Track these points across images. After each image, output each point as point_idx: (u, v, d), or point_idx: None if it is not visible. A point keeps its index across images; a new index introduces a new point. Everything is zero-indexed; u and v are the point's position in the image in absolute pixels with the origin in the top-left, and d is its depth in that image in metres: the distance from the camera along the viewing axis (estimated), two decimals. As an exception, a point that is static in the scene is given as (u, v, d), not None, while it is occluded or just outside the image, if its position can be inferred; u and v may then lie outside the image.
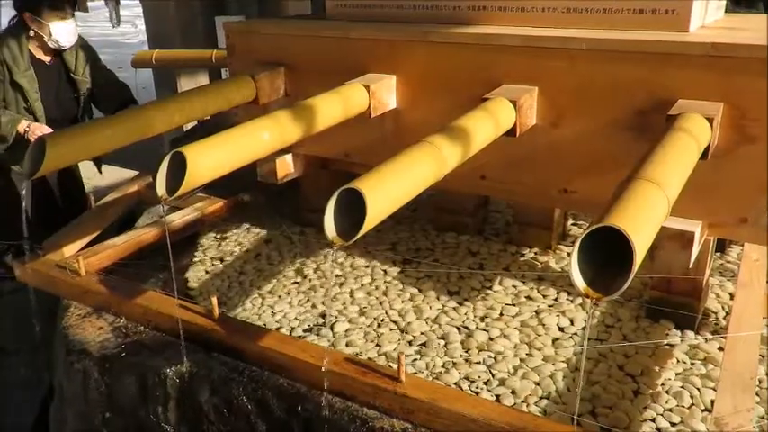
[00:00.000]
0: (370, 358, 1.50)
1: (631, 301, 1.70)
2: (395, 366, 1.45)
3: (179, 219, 2.02)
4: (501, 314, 1.67)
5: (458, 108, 1.39)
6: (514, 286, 1.79)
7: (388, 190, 1.07)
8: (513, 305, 1.71)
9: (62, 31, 2.73)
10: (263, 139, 1.34)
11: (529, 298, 1.74)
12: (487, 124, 1.35)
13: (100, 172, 3.27)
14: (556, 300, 1.73)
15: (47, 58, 2.83)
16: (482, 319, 1.66)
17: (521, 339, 1.57)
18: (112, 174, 3.82)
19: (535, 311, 1.68)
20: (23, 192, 2.97)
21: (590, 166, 1.49)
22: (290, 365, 1.29)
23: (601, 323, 1.63)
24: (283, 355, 1.30)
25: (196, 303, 1.61)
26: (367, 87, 1.61)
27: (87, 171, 3.27)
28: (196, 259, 1.98)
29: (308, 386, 1.27)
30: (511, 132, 1.45)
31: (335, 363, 1.27)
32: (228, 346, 1.38)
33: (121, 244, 1.82)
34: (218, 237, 2.14)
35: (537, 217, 1.96)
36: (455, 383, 1.41)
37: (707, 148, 1.24)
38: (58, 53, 2.84)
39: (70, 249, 1.84)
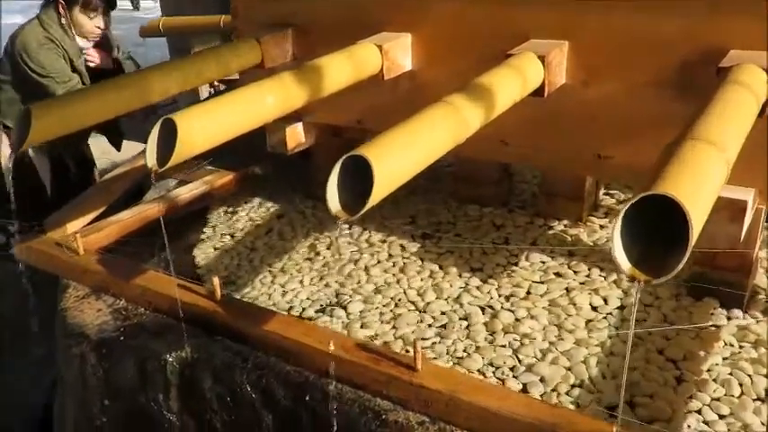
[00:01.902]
0: (385, 342, 1.38)
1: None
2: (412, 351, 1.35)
3: (186, 193, 1.91)
4: (528, 293, 1.54)
5: (480, 67, 1.25)
6: (542, 262, 1.66)
7: (399, 157, 0.94)
8: (542, 283, 1.58)
9: (90, 29, 2.68)
10: (265, 104, 1.22)
11: (558, 275, 1.60)
12: (513, 82, 1.21)
13: (118, 150, 3.19)
14: (588, 276, 1.59)
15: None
16: (507, 298, 1.53)
17: (550, 320, 1.44)
18: (135, 150, 3.75)
19: (565, 289, 1.54)
20: (43, 170, 2.93)
21: (627, 128, 1.34)
22: (297, 351, 1.18)
23: (639, 302, 1.49)
24: (289, 339, 1.19)
25: (202, 283, 1.51)
26: (379, 47, 1.48)
27: (107, 145, 3.18)
28: (204, 236, 1.88)
29: (315, 373, 1.16)
30: (539, 92, 1.31)
31: (346, 349, 1.16)
32: (231, 329, 1.28)
33: (125, 220, 1.73)
34: (229, 211, 2.03)
35: (566, 187, 1.81)
36: (478, 370, 1.30)
37: (765, 104, 1.08)
38: None
39: (73, 226, 1.75)
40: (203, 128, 1.11)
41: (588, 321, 1.43)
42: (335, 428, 1.06)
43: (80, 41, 2.72)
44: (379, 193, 0.90)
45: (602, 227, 1.81)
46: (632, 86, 1.34)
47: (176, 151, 1.07)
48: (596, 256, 1.67)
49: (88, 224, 1.82)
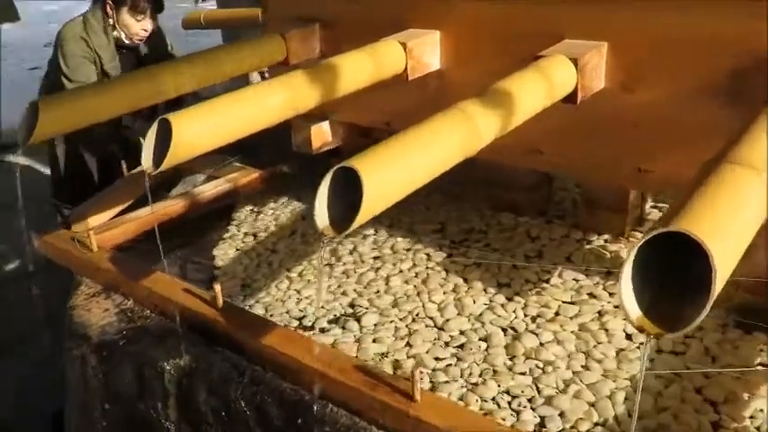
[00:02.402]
0: (397, 360, 1.30)
1: (720, 305, 1.41)
2: (426, 372, 1.26)
3: (210, 190, 1.88)
4: (557, 314, 1.42)
5: (513, 68, 1.14)
6: (576, 280, 1.53)
7: (394, 171, 0.85)
8: (573, 303, 1.45)
9: (136, 30, 2.70)
10: (268, 106, 1.15)
11: (592, 296, 1.47)
12: (538, 87, 1.10)
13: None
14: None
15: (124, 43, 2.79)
16: (534, 319, 1.42)
17: (577, 347, 1.32)
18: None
19: (598, 313, 1.42)
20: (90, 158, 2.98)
21: (670, 139, 1.21)
22: (293, 368, 1.11)
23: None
24: (285, 355, 1.12)
25: (211, 287, 1.46)
26: (403, 45, 1.39)
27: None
28: (227, 234, 1.84)
29: (311, 393, 1.09)
30: (570, 98, 1.19)
31: (342, 370, 1.08)
32: (231, 340, 1.23)
33: (143, 217, 1.70)
34: (255, 210, 1.99)
35: (609, 197, 1.67)
36: (492, 399, 1.19)
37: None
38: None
39: (97, 219, 1.73)
40: (199, 130, 1.05)
41: (620, 351, 1.30)
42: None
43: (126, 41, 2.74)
44: (368, 210, 0.81)
45: (607, 271, 1.66)
46: (678, 92, 1.20)
47: (170, 153, 1.02)
48: (636, 276, 1.53)
49: (113, 218, 1.80)
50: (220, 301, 1.27)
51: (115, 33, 2.71)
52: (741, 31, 1.08)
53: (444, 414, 0.99)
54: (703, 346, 1.30)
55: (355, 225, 0.81)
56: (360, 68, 1.31)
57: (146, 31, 2.72)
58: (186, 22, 2.71)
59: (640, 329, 0.61)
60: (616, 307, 1.42)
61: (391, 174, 0.84)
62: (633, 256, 0.62)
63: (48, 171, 3.16)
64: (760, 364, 1.23)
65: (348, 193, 0.84)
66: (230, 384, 1.16)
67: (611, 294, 1.47)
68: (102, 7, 2.69)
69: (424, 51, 1.44)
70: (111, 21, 2.69)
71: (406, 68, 1.41)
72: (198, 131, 1.05)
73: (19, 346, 2.77)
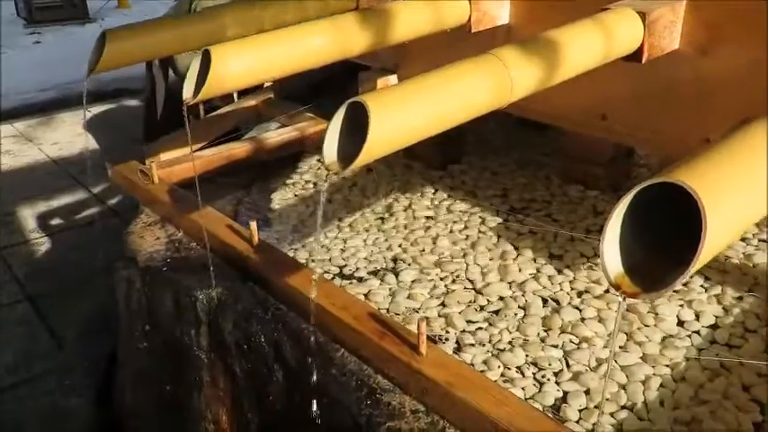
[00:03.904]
0: (427, 318, 1.28)
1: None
2: (454, 333, 1.23)
3: (278, 136, 1.91)
4: (606, 291, 1.34)
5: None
6: (635, 259, 1.43)
7: (407, 111, 0.82)
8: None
9: None
10: (313, 46, 1.14)
11: (650, 277, 1.37)
12: (593, 40, 1.01)
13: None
14: (685, 285, 1.34)
15: None
16: (579, 294, 1.34)
17: (620, 327, 1.24)
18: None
19: (652, 295, 1.31)
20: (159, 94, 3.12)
21: (745, 109, 1.08)
22: (309, 309, 1.12)
23: (738, 324, 1.23)
24: (306, 296, 1.13)
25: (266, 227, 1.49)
26: (468, -6, 1.32)
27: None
28: (289, 181, 1.87)
29: (325, 336, 1.09)
30: (635, 57, 1.09)
31: (357, 317, 1.07)
32: (260, 276, 1.25)
33: (208, 156, 1.76)
34: (321, 160, 2.00)
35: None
36: (517, 367, 1.15)
37: None
38: None
39: (168, 156, 1.82)
40: (239, 63, 1.06)
41: (666, 337, 1.21)
42: (319, 398, 0.99)
43: None
44: (371, 150, 0.79)
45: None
46: (763, 60, 1.07)
47: (207, 83, 1.03)
48: (705, 262, 1.40)
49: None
50: (256, 239, 1.30)
51: None
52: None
53: (447, 370, 0.96)
54: (765, 342, 1.18)
55: (358, 163, 0.79)
56: (416, 16, 1.26)
57: None
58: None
59: (617, 287, 0.55)
60: (674, 291, 1.32)
61: (402, 114, 0.80)
62: (623, 209, 0.56)
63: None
64: (825, 369, 1.10)
65: (362, 131, 0.82)
66: (253, 319, 1.18)
67: (671, 278, 1.36)
68: None
69: (492, 3, 1.37)
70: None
71: (469, 20, 1.35)
72: (237, 66, 1.05)
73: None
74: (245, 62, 1.07)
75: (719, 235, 0.51)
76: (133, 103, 5.22)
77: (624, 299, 0.56)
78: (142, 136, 3.04)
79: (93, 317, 2.58)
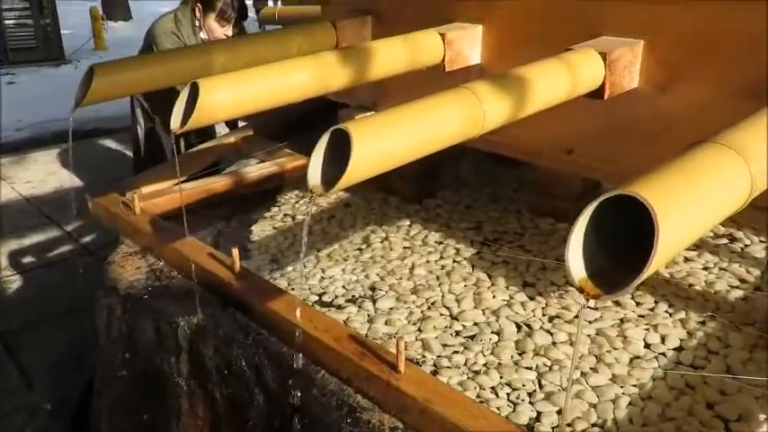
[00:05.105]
0: (405, 342, 1.31)
1: (754, 325, 1.34)
2: (431, 357, 1.27)
3: (257, 171, 1.96)
4: (576, 317, 1.39)
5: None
6: (603, 287, 1.49)
7: (387, 138, 0.87)
8: (595, 309, 1.42)
9: (218, 35, 2.88)
10: (296, 80, 1.20)
11: (617, 303, 1.43)
12: (559, 77, 1.09)
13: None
14: (651, 310, 1.41)
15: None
16: (551, 319, 1.39)
17: (590, 350, 1.29)
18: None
19: (620, 320, 1.37)
20: (167, 144, 3.16)
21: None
22: (292, 333, 1.14)
23: (701, 346, 1.29)
24: (287, 321, 1.16)
25: (246, 258, 1.52)
26: (442, 35, 1.40)
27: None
28: (267, 214, 1.91)
29: (306, 358, 1.12)
30: (597, 94, 1.17)
31: (337, 338, 1.10)
32: (242, 302, 1.28)
33: (189, 190, 1.80)
34: (299, 195, 2.05)
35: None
36: (491, 388, 1.19)
37: None
38: None
39: (148, 189, 1.84)
40: (225, 96, 1.11)
41: (634, 358, 1.26)
42: (301, 418, 1.01)
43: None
44: (353, 174, 0.84)
45: (686, 259, 1.60)
46: (717, 95, 1.16)
47: (194, 115, 1.08)
48: (668, 288, 1.47)
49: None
50: (237, 266, 1.33)
51: (201, 34, 2.89)
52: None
53: (424, 388, 0.99)
54: (726, 363, 1.24)
55: (340, 186, 0.84)
56: (395, 54, 1.33)
57: (226, 36, 2.89)
58: (263, 18, 2.84)
59: (580, 290, 0.60)
60: (641, 316, 1.38)
61: (382, 141, 0.86)
62: (584, 219, 0.61)
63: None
64: (784, 387, 1.16)
65: (344, 157, 0.87)
66: (234, 344, 1.21)
67: (637, 304, 1.43)
68: (191, 9, 2.86)
69: (464, 44, 1.45)
70: (197, 22, 2.86)
71: (443, 59, 1.43)
72: (223, 98, 1.11)
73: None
74: (231, 94, 1.12)
75: (671, 240, 0.57)
76: (109, 142, 5.24)
77: (587, 300, 0.60)
78: (132, 172, 3.05)
79: (64, 352, 2.56)
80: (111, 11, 12.02)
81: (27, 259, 3.56)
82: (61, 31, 8.99)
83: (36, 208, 4.19)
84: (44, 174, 4.84)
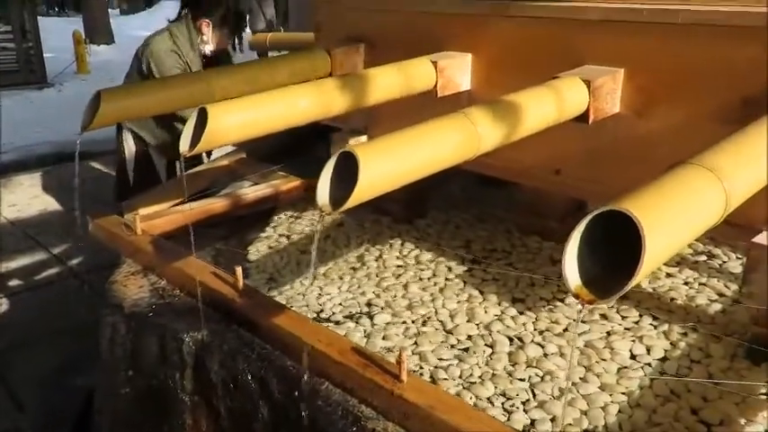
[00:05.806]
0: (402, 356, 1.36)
1: (732, 336, 1.41)
2: (427, 369, 1.32)
3: (252, 192, 2.01)
4: (565, 330, 1.46)
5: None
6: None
7: (392, 162, 0.94)
8: (583, 322, 1.48)
9: (224, 45, 3.00)
10: (299, 106, 1.26)
11: (604, 317, 1.50)
12: (548, 104, 1.16)
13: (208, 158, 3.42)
14: (636, 323, 1.47)
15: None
16: (541, 332, 1.45)
17: (579, 361, 1.35)
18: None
19: (607, 333, 1.44)
20: (160, 165, 3.20)
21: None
22: (297, 347, 1.19)
23: (684, 356, 1.36)
24: (292, 335, 1.21)
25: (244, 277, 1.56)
26: (434, 63, 1.48)
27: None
28: (263, 234, 1.96)
29: (311, 372, 1.16)
30: (583, 118, 1.25)
31: (341, 351, 1.15)
32: (245, 318, 1.32)
33: (188, 211, 1.84)
34: (293, 215, 2.10)
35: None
36: (487, 398, 1.24)
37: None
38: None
39: (145, 212, 1.88)
40: (233, 120, 1.17)
41: (621, 368, 1.32)
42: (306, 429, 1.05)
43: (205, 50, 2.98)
44: (361, 193, 0.90)
45: (668, 275, 1.68)
46: (690, 121, 1.24)
47: (204, 138, 1.13)
48: (652, 302, 1.55)
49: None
50: (241, 283, 1.38)
51: (207, 48, 2.95)
52: (755, 60, 1.12)
53: (427, 396, 1.04)
54: (708, 372, 1.31)
55: (348, 204, 0.90)
56: (390, 81, 1.41)
57: (226, 44, 2.97)
58: (253, 44, 2.91)
59: (576, 296, 0.66)
60: (627, 329, 1.45)
61: (387, 163, 0.92)
62: (578, 232, 0.68)
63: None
64: (764, 393, 1.23)
65: (351, 177, 0.93)
66: (239, 358, 1.25)
67: (623, 317, 1.50)
68: (191, 23, 2.92)
69: (455, 71, 1.53)
70: (204, 37, 2.93)
71: (436, 86, 1.50)
72: (231, 122, 1.16)
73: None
74: (237, 119, 1.18)
75: (656, 251, 0.63)
76: (95, 164, 5.24)
77: (583, 305, 0.67)
78: (114, 197, 3.08)
79: (54, 372, 2.56)
80: (93, 34, 12.05)
81: (14, 282, 3.56)
82: (44, 55, 8.99)
83: (21, 230, 4.19)
84: (29, 197, 4.84)
